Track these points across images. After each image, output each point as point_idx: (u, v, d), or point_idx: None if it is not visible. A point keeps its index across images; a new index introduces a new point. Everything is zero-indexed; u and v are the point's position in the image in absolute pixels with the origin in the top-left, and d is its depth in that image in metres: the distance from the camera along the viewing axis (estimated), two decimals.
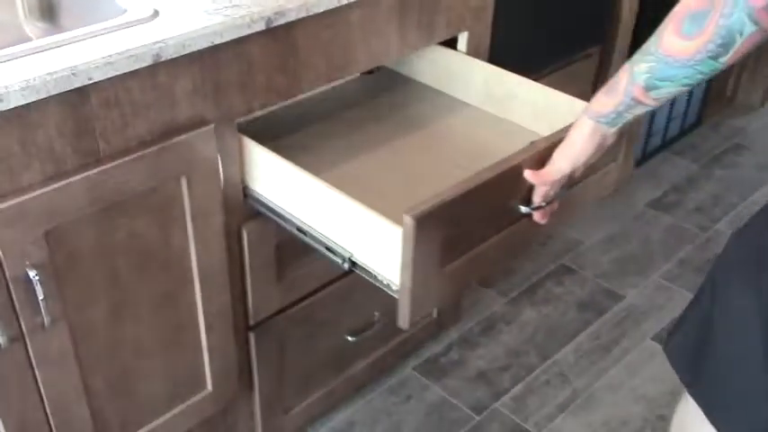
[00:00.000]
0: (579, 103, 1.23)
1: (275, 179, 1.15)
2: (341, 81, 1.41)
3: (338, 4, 1.17)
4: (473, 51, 1.46)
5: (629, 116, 0.89)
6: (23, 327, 1.01)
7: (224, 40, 1.05)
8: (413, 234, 0.93)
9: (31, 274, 0.98)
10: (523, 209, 1.04)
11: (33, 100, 0.90)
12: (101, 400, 1.16)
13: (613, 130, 0.93)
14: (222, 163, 1.14)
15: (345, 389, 1.59)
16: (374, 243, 1.04)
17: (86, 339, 1.09)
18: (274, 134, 1.32)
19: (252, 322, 1.32)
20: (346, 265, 1.10)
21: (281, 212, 1.17)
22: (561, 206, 1.07)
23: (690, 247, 2.12)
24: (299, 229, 1.15)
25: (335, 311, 1.46)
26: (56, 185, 0.97)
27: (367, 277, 1.09)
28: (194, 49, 1.02)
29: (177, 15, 1.06)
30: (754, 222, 0.90)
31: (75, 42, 0.97)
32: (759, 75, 2.64)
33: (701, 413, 0.94)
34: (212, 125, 1.09)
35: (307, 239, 1.15)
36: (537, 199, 1.03)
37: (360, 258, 1.09)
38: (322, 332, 1.46)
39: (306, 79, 1.20)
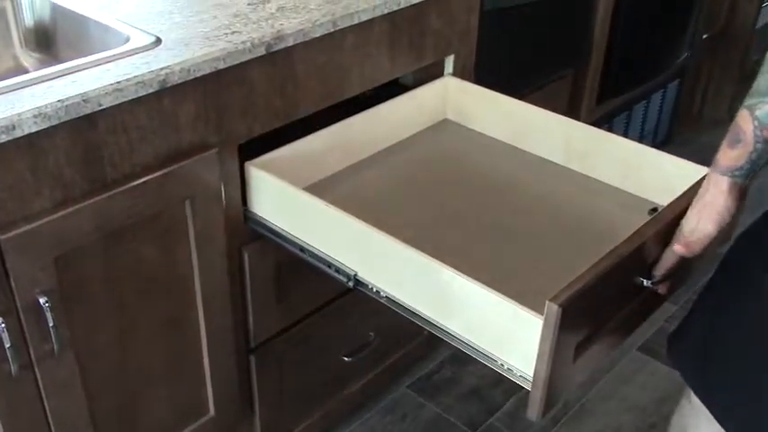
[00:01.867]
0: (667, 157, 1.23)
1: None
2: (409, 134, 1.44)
3: (333, 29, 1.20)
4: (459, 73, 1.50)
5: (762, 162, 0.86)
6: (33, 355, 1.01)
7: (226, 66, 1.07)
8: (556, 323, 0.85)
9: (42, 300, 0.98)
10: (647, 282, 0.98)
11: (44, 127, 0.92)
12: (106, 426, 1.15)
13: (749, 180, 0.89)
14: (224, 186, 1.15)
15: (342, 410, 1.60)
16: (498, 327, 0.96)
17: (93, 366, 1.09)
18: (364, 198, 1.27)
19: (252, 344, 1.33)
20: (351, 284, 1.12)
21: (286, 235, 1.18)
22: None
23: None
24: (302, 249, 1.17)
25: (332, 332, 1.47)
26: (65, 211, 0.98)
27: (481, 359, 1.00)
28: (199, 74, 1.04)
29: (179, 42, 1.08)
30: (759, 224, 0.94)
31: (82, 70, 0.99)
32: (724, 88, 2.72)
33: (705, 413, 0.97)
34: (215, 149, 1.11)
35: (311, 260, 1.16)
36: (660, 272, 0.98)
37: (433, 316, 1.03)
38: (319, 353, 1.47)
39: (303, 102, 1.22)
